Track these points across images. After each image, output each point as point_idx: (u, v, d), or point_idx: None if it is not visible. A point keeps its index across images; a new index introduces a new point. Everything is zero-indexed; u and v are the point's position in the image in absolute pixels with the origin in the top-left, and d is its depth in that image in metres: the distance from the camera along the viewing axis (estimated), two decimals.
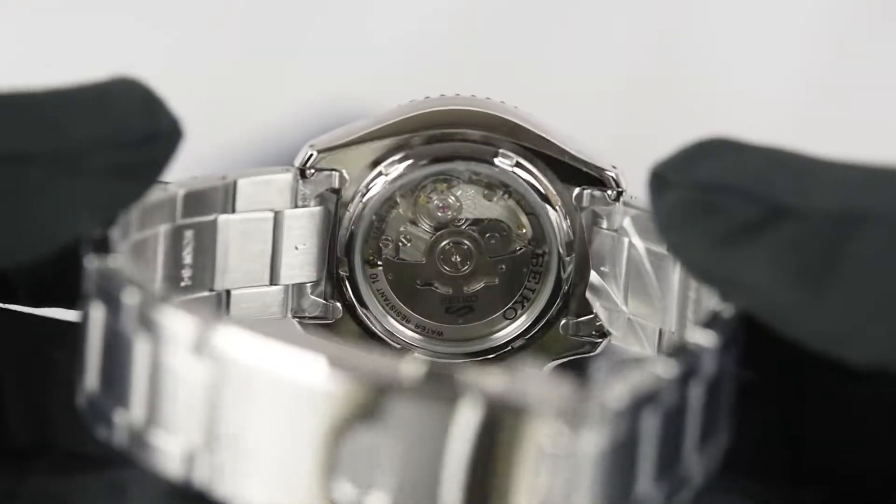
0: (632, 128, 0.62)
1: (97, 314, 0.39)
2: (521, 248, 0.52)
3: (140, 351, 0.37)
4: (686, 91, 0.65)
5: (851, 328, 0.37)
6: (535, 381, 0.34)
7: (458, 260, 0.52)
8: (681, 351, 0.37)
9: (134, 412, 0.38)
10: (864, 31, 0.67)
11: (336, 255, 0.52)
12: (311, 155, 0.51)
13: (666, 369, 0.36)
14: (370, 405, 0.35)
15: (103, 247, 0.40)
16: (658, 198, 0.41)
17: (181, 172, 0.44)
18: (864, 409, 0.42)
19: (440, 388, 0.35)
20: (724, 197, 0.39)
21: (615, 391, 0.35)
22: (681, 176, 0.40)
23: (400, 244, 0.52)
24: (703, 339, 0.38)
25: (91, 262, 0.40)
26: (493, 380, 0.34)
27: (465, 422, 0.34)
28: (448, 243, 0.52)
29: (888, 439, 0.42)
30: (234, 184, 0.49)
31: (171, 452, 0.37)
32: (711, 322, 0.39)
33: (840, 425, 0.43)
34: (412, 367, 0.35)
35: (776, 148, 0.40)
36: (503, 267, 0.52)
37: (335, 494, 0.35)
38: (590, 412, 0.34)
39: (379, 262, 0.52)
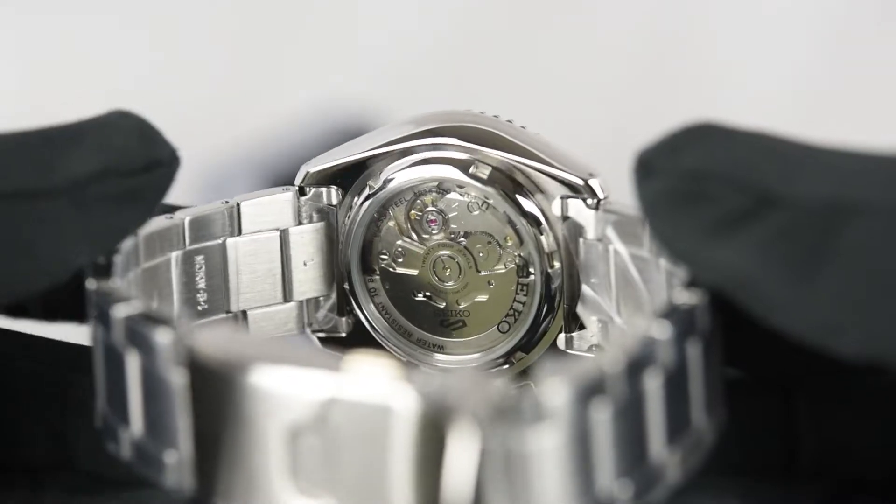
0: (631, 126, 0.62)
1: (98, 334, 0.41)
2: (509, 262, 0.52)
3: (131, 364, 0.39)
4: (686, 89, 0.66)
5: (842, 320, 0.36)
6: (469, 382, 0.35)
7: (449, 273, 0.53)
8: (632, 343, 0.37)
9: (133, 426, 0.40)
10: (863, 30, 0.67)
11: (339, 268, 0.53)
12: (306, 173, 0.53)
13: (611, 362, 0.36)
14: (319, 409, 0.36)
15: (104, 271, 0.43)
16: (643, 185, 0.40)
17: (183, 174, 0.46)
18: (863, 404, 0.42)
19: (374, 395, 0.35)
20: (711, 185, 0.38)
21: (554, 387, 0.35)
22: (666, 163, 0.39)
23: (395, 258, 0.53)
24: (658, 330, 0.38)
25: (91, 285, 0.42)
26: (427, 381, 0.35)
27: (404, 422, 0.35)
28: (440, 256, 0.53)
29: (888, 435, 0.42)
30: (238, 207, 0.52)
31: (167, 464, 0.39)
32: (669, 313, 0.38)
33: (838, 421, 0.42)
34: (351, 370, 0.36)
35: (766, 133, 0.39)
36: (492, 283, 0.53)
37: (288, 500, 0.36)
38: (527, 410, 0.35)
39: (377, 275, 0.54)
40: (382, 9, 0.64)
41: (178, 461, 0.39)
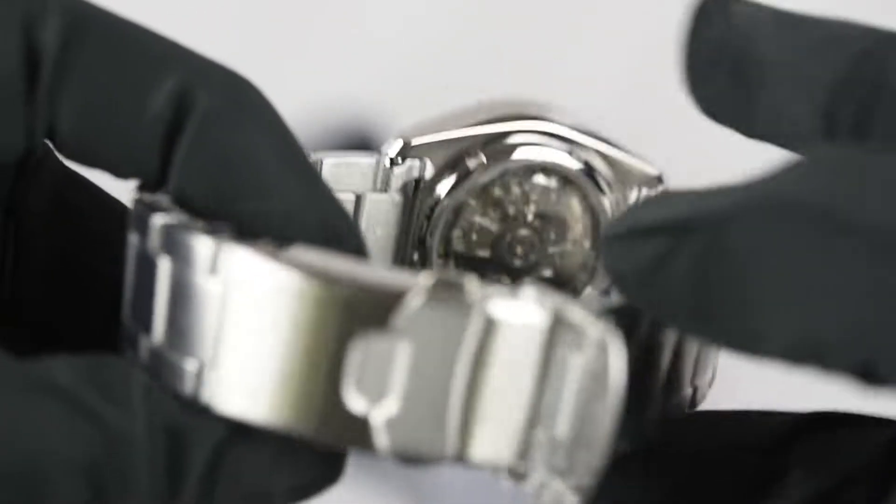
0: (633, 126, 0.64)
1: (132, 241, 0.41)
2: (577, 245, 0.55)
3: (162, 272, 0.39)
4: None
5: (745, 330, 0.38)
6: (539, 296, 0.37)
7: (521, 252, 0.55)
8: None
9: (155, 334, 0.40)
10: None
11: (411, 243, 0.54)
12: (403, 144, 0.54)
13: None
14: (381, 314, 0.37)
15: (152, 187, 0.42)
16: (602, 258, 0.42)
17: None
18: None
19: (452, 297, 0.37)
20: (639, 236, 0.40)
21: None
22: (615, 230, 0.41)
23: (469, 233, 0.55)
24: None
25: (134, 195, 0.42)
26: (499, 292, 0.37)
27: (473, 330, 0.37)
28: (513, 235, 0.55)
29: None
30: (321, 163, 0.52)
31: (186, 371, 0.39)
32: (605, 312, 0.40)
33: None
34: (423, 277, 0.37)
35: (720, 188, 0.40)
36: (558, 260, 0.55)
37: (346, 405, 0.37)
38: (593, 332, 0.37)
39: (448, 254, 0.55)
40: (385, 8, 0.65)
41: (198, 369, 0.39)
